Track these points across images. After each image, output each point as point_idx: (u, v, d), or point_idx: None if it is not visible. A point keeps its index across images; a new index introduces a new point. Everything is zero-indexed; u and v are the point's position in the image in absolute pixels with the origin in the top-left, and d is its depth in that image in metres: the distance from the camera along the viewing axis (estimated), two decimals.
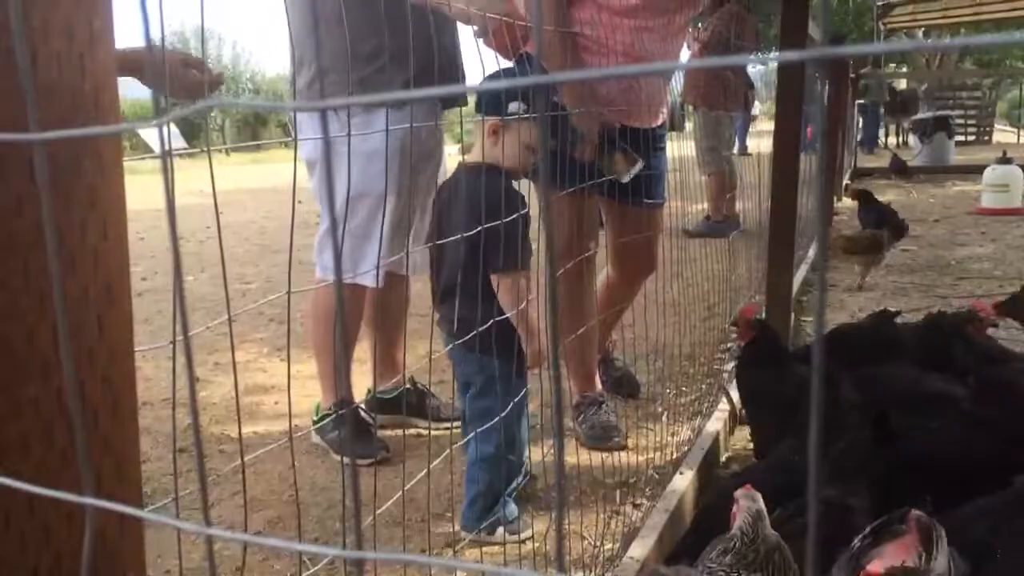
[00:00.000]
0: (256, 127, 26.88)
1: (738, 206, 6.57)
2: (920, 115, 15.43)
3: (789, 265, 3.46)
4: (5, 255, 0.57)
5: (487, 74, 2.06)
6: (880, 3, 12.17)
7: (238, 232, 8.30)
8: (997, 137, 18.79)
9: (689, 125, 6.71)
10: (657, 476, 2.60)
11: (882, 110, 17.15)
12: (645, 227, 3.09)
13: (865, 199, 6.13)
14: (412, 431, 3.04)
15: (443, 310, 2.31)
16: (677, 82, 4.29)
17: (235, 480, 2.53)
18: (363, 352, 3.61)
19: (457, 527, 2.38)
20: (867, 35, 16.93)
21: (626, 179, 2.85)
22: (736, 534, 1.59)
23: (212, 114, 20.77)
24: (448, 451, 1.97)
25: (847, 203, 7.68)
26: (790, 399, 2.29)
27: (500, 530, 2.33)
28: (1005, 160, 8.30)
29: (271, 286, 5.60)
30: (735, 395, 2.97)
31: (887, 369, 2.62)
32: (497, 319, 2.00)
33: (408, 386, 3.08)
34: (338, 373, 2.65)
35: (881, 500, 1.77)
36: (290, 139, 1.76)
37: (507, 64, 2.37)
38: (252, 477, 2.72)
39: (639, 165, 2.84)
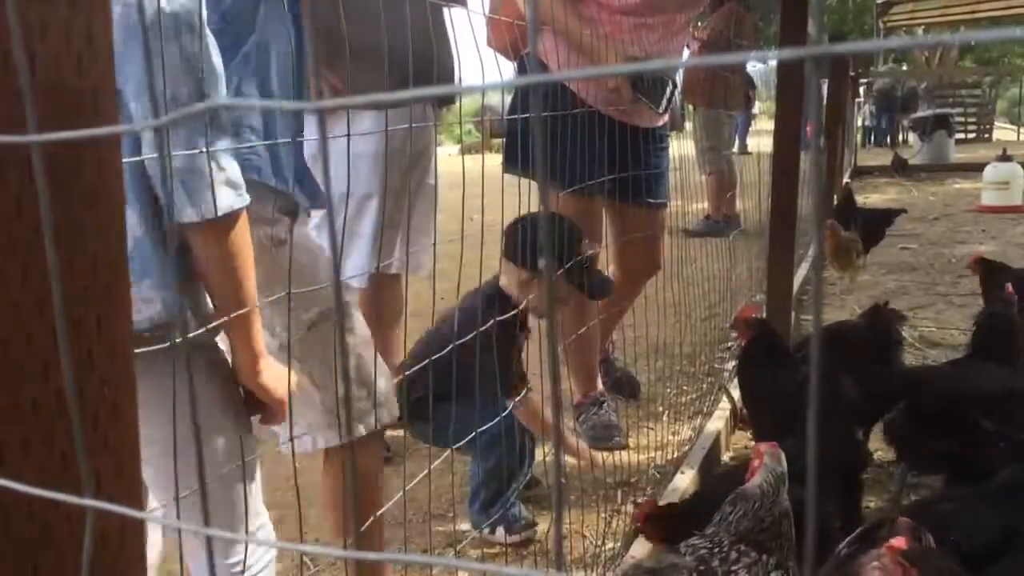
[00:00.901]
0: None
1: (738, 205, 6.57)
2: (920, 113, 15.43)
3: (789, 264, 3.45)
4: (4, 256, 0.57)
5: None
6: (879, 1, 12.19)
7: None
8: (997, 135, 18.79)
9: (689, 125, 6.70)
10: (658, 475, 2.61)
11: (874, 108, 17.15)
12: (647, 227, 3.09)
13: (845, 200, 5.96)
14: None
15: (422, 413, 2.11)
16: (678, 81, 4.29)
17: None
18: None
19: (458, 527, 2.38)
20: (868, 34, 16.95)
21: (664, 106, 2.89)
22: (757, 493, 1.52)
23: None
24: (448, 451, 1.97)
25: None
26: (790, 397, 2.29)
27: (500, 530, 2.33)
28: (1005, 158, 8.30)
29: None
30: (736, 394, 2.97)
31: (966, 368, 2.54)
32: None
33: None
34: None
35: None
36: (287, 141, 1.75)
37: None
38: None
39: (670, 86, 2.90)
